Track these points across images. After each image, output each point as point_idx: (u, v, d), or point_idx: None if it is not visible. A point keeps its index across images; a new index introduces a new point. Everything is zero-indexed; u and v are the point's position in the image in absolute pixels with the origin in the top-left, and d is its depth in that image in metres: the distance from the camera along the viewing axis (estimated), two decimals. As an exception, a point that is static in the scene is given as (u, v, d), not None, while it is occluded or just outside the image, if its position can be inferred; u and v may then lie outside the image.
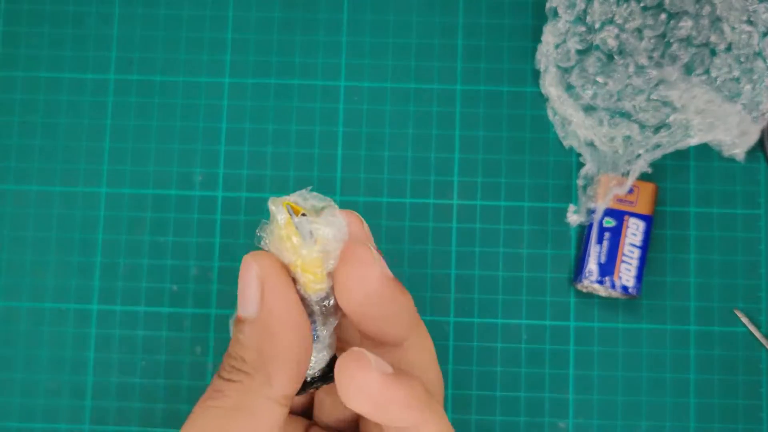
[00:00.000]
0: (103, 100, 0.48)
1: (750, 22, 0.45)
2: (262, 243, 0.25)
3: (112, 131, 0.48)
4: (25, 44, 0.49)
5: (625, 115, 0.46)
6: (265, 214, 0.25)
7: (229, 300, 0.47)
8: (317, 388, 0.27)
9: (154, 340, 0.47)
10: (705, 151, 0.48)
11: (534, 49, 0.48)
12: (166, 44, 0.49)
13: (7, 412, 0.46)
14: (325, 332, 0.26)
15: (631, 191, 0.46)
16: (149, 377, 0.46)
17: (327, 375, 0.26)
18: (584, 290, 0.46)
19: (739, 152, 0.46)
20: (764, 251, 0.47)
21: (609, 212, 0.46)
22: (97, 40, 0.49)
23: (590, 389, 0.46)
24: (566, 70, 0.47)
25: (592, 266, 0.45)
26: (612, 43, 0.46)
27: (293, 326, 0.24)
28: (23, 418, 0.46)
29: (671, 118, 0.45)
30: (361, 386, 0.23)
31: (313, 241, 0.24)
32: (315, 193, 0.25)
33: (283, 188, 0.48)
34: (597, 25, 0.46)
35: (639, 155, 0.46)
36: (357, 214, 0.26)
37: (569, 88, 0.47)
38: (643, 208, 0.46)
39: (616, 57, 0.46)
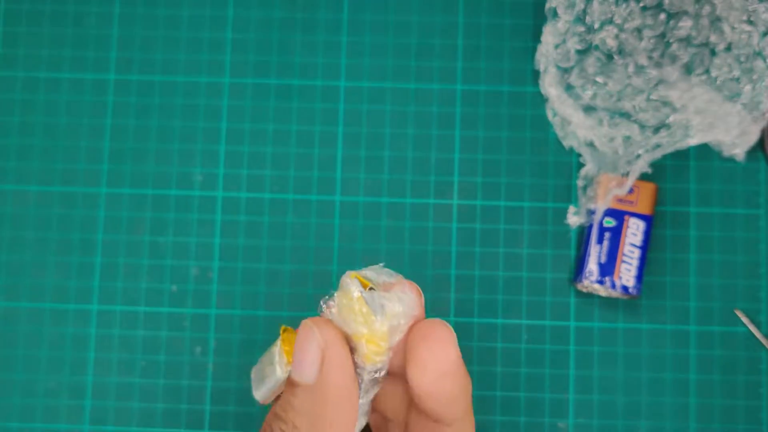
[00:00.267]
0: (103, 100, 0.48)
1: (750, 22, 0.45)
2: (324, 312, 0.26)
3: (112, 131, 0.48)
4: (25, 44, 0.49)
5: (625, 115, 0.46)
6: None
7: (229, 300, 0.47)
8: None
9: (154, 340, 0.47)
10: (705, 151, 0.48)
11: (534, 49, 0.48)
12: (166, 44, 0.49)
13: (7, 412, 0.46)
14: (365, 400, 0.26)
15: (631, 191, 0.46)
16: (149, 377, 0.46)
17: None
18: (584, 290, 0.46)
19: (739, 152, 0.46)
20: (764, 251, 0.47)
21: (609, 212, 0.46)
22: (97, 40, 0.49)
23: (590, 389, 0.46)
24: (566, 70, 0.47)
25: (592, 266, 0.45)
26: (611, 43, 0.46)
27: (348, 397, 0.25)
28: (23, 418, 0.46)
29: (671, 118, 0.45)
30: (447, 352, 0.24)
31: (383, 316, 0.25)
32: (386, 269, 0.27)
33: (283, 188, 0.48)
34: (596, 25, 0.46)
35: (639, 155, 0.46)
36: (418, 287, 0.27)
37: (569, 88, 0.47)
38: (643, 208, 0.46)
39: (615, 57, 0.46)
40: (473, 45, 0.49)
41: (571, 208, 0.46)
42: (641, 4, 0.46)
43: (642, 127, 0.46)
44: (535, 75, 0.48)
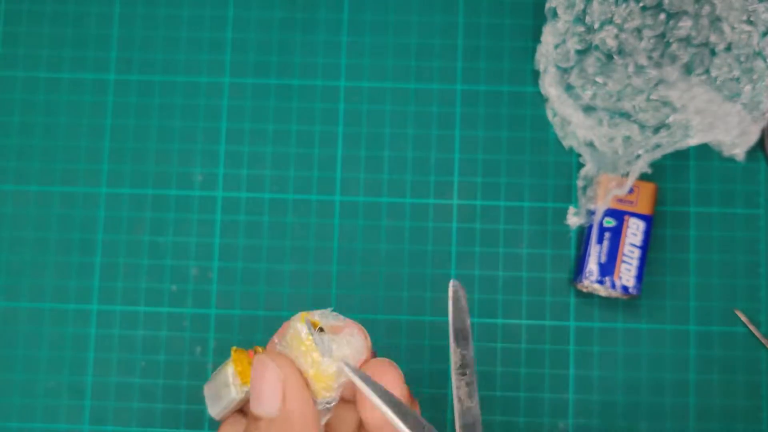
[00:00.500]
0: (103, 100, 0.48)
1: (750, 22, 0.45)
2: (279, 348, 0.27)
3: (112, 131, 0.48)
4: (25, 44, 0.49)
5: (625, 115, 0.46)
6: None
7: (229, 300, 0.47)
8: None
9: (154, 340, 0.47)
10: (705, 151, 0.48)
11: (534, 49, 0.48)
12: (166, 44, 0.49)
13: (7, 412, 0.46)
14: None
15: (631, 191, 0.46)
16: (149, 377, 0.46)
17: None
18: (584, 290, 0.46)
19: (739, 152, 0.46)
20: (764, 251, 0.47)
21: (609, 212, 0.46)
22: (97, 40, 0.49)
23: (590, 389, 0.46)
24: (566, 71, 0.47)
25: (592, 266, 0.45)
26: (611, 43, 0.46)
27: (313, 424, 0.26)
28: (23, 418, 0.46)
29: (671, 118, 0.46)
30: (395, 390, 0.26)
31: (331, 358, 0.26)
32: (335, 313, 0.28)
33: (283, 188, 0.48)
34: (596, 25, 0.46)
35: (639, 155, 0.46)
36: (365, 331, 0.28)
37: (569, 88, 0.47)
38: (643, 208, 0.46)
39: (615, 57, 0.46)
40: (473, 45, 0.49)
41: (571, 209, 0.46)
42: (641, 4, 0.46)
43: (642, 127, 0.46)
44: (535, 75, 0.48)
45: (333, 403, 0.27)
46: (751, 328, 0.46)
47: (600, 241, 0.45)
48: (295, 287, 0.47)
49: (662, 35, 0.46)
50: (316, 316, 0.27)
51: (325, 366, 0.26)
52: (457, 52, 0.49)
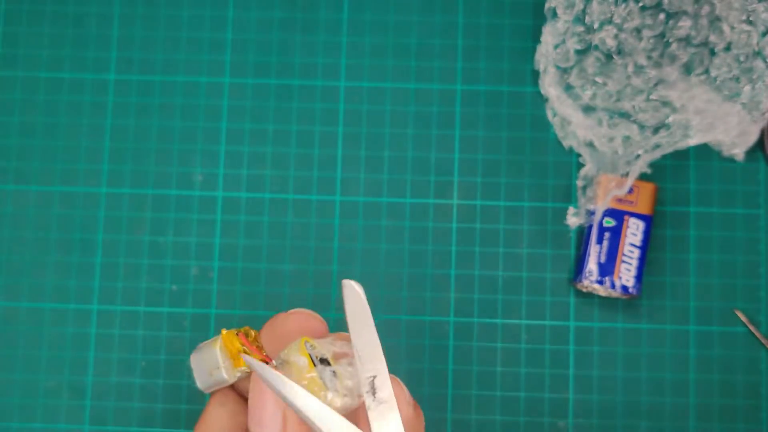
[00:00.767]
0: (103, 100, 0.49)
1: (749, 22, 0.45)
2: (278, 367, 0.26)
3: (112, 131, 0.48)
4: (25, 44, 0.49)
5: (625, 115, 0.46)
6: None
7: (229, 300, 0.47)
8: None
9: (154, 340, 0.47)
10: (705, 151, 0.48)
11: (534, 50, 0.48)
12: (166, 44, 0.49)
13: (7, 412, 0.46)
14: None
15: (631, 191, 0.46)
16: (149, 377, 0.46)
17: None
18: (584, 290, 0.46)
19: (738, 152, 0.46)
20: (764, 251, 0.47)
21: (609, 212, 0.46)
22: (97, 40, 0.49)
23: (590, 389, 0.46)
24: (565, 71, 0.47)
25: (592, 266, 0.45)
26: (611, 42, 0.46)
27: None
28: (23, 418, 0.46)
29: (670, 118, 0.46)
30: (402, 409, 0.26)
31: (336, 392, 0.26)
32: (340, 342, 0.27)
33: (283, 188, 0.48)
34: (596, 25, 0.46)
35: (638, 156, 0.46)
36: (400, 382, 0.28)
37: (568, 88, 0.47)
38: (643, 208, 0.46)
39: (615, 57, 0.46)
40: (473, 45, 0.49)
41: (571, 209, 0.46)
42: (640, 4, 0.46)
43: (641, 127, 0.46)
44: (535, 75, 0.48)
45: None
46: (751, 328, 0.46)
47: (600, 241, 0.46)
48: (295, 287, 0.47)
49: (662, 35, 0.46)
50: (317, 343, 0.27)
51: (329, 399, 0.25)
52: (457, 52, 0.49)
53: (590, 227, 0.46)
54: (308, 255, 0.47)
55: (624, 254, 0.45)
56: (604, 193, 0.45)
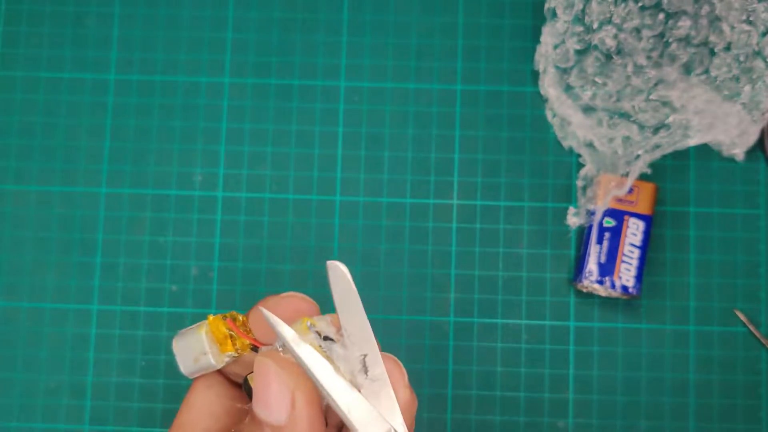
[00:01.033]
0: (103, 100, 0.49)
1: (749, 22, 0.45)
2: (282, 352, 0.26)
3: (112, 131, 0.48)
4: (25, 44, 0.49)
5: (625, 115, 0.46)
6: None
7: (230, 300, 0.47)
8: None
9: (154, 340, 0.47)
10: (705, 151, 0.48)
11: (533, 50, 0.48)
12: (166, 44, 0.49)
13: (7, 412, 0.46)
14: None
15: (631, 191, 0.46)
16: (149, 377, 0.46)
17: None
18: (584, 290, 0.46)
19: (738, 152, 0.46)
20: (764, 251, 0.47)
21: (609, 212, 0.46)
22: (97, 40, 0.49)
23: (590, 389, 0.46)
24: (565, 71, 0.47)
25: (592, 266, 0.45)
26: (610, 42, 0.46)
27: (319, 430, 0.25)
28: (24, 418, 0.46)
29: (670, 118, 0.46)
30: (402, 391, 0.26)
31: (346, 366, 0.26)
32: (332, 319, 0.27)
33: (283, 188, 0.48)
34: (595, 25, 0.46)
35: (638, 156, 0.46)
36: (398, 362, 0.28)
37: (568, 88, 0.47)
38: (643, 208, 0.46)
39: (614, 57, 0.46)
40: (473, 45, 0.49)
41: (571, 209, 0.46)
42: (640, 4, 0.46)
43: (641, 127, 0.46)
44: (535, 75, 0.48)
45: None
46: (751, 328, 0.46)
47: (600, 241, 0.46)
48: (295, 287, 0.47)
49: (661, 35, 0.46)
50: (318, 321, 0.27)
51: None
52: (457, 52, 0.49)
53: (590, 227, 0.46)
54: (308, 255, 0.47)
55: (624, 254, 0.45)
56: (604, 193, 0.45)
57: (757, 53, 0.45)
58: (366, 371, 0.26)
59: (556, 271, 0.47)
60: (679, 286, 0.47)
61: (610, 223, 0.46)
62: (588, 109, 0.46)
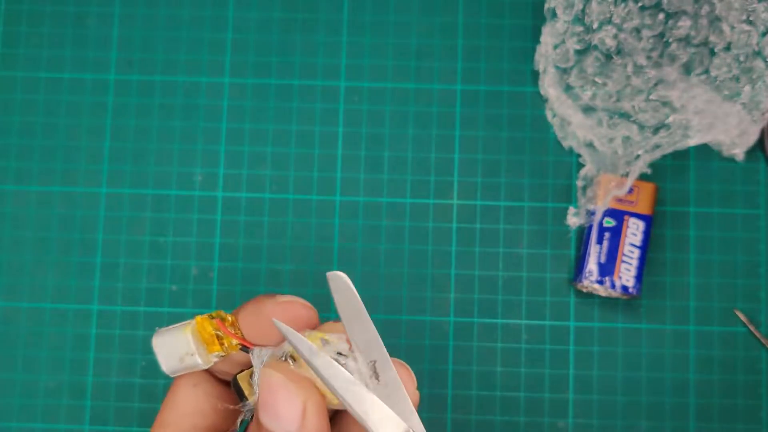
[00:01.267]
0: (103, 100, 0.49)
1: (749, 22, 0.45)
2: (290, 364, 0.26)
3: (112, 131, 0.48)
4: (25, 44, 0.49)
5: (625, 115, 0.46)
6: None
7: (230, 300, 0.47)
8: None
9: (154, 340, 0.47)
10: (705, 151, 0.48)
11: (533, 50, 0.48)
12: (166, 44, 0.49)
13: (7, 412, 0.46)
14: None
15: (631, 191, 0.46)
16: (149, 377, 0.46)
17: None
18: (584, 290, 0.46)
19: (738, 152, 0.46)
20: (764, 251, 0.47)
21: (609, 212, 0.46)
22: (97, 40, 0.49)
23: (590, 389, 0.46)
24: (565, 71, 0.47)
25: (592, 266, 0.45)
26: (610, 42, 0.46)
27: None
28: (24, 418, 0.46)
29: (670, 118, 0.46)
30: (413, 393, 0.26)
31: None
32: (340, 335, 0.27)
33: (283, 188, 0.48)
34: (595, 25, 0.46)
35: (638, 156, 0.46)
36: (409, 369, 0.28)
37: (568, 88, 0.47)
38: (643, 208, 0.46)
39: (614, 57, 0.46)
40: (473, 45, 0.49)
41: (571, 209, 0.46)
42: (640, 4, 0.46)
43: (641, 127, 0.46)
44: (535, 75, 0.48)
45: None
46: (751, 328, 0.46)
47: (600, 241, 0.46)
48: (295, 287, 0.47)
49: (661, 35, 0.46)
50: (331, 337, 0.27)
51: None
52: (457, 52, 0.49)
53: (590, 227, 0.46)
54: (308, 255, 0.47)
55: (624, 254, 0.45)
56: (604, 193, 0.45)
57: (757, 53, 0.45)
58: (377, 377, 0.26)
59: (556, 271, 0.47)
60: (679, 286, 0.47)
61: (610, 223, 0.46)
62: (588, 109, 0.46)
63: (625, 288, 0.45)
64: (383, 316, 0.46)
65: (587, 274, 0.45)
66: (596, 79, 0.46)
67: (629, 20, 0.46)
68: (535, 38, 0.48)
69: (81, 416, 0.46)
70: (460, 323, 0.47)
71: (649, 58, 0.46)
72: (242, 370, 0.28)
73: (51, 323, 0.47)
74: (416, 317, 0.47)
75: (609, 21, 0.46)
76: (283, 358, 0.26)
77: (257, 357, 0.27)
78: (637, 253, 0.45)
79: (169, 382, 0.46)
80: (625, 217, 0.46)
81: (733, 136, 0.45)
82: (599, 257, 0.45)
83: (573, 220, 0.46)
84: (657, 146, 0.46)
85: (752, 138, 0.46)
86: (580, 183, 0.47)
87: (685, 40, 0.46)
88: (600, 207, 0.45)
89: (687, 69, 0.46)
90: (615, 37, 0.46)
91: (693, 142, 0.45)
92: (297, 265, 0.47)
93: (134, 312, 0.47)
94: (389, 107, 0.48)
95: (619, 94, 0.46)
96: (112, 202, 0.48)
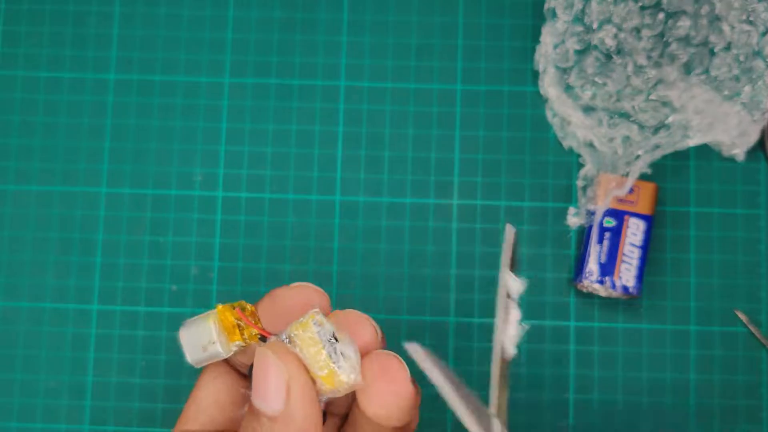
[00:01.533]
0: (103, 100, 0.49)
1: (749, 21, 0.45)
2: (287, 342, 0.27)
3: (112, 131, 0.48)
4: (25, 44, 0.49)
5: (625, 115, 0.46)
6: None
7: (230, 300, 0.47)
8: None
9: (154, 340, 0.47)
10: (705, 151, 0.48)
11: (533, 50, 0.48)
12: (166, 44, 0.49)
13: (7, 412, 0.46)
14: None
15: (631, 191, 0.46)
16: (149, 377, 0.46)
17: None
18: (584, 290, 0.46)
19: (738, 152, 0.46)
20: (764, 251, 0.47)
21: (609, 212, 0.46)
22: (97, 39, 0.49)
23: (590, 389, 0.46)
24: (565, 71, 0.47)
25: (592, 266, 0.45)
26: (610, 42, 0.46)
27: (315, 424, 0.26)
28: (23, 418, 0.46)
29: (670, 118, 0.46)
30: (405, 388, 0.27)
31: (345, 371, 0.26)
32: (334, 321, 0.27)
33: (283, 188, 0.48)
34: (595, 25, 0.46)
35: (638, 156, 0.46)
36: (370, 320, 0.29)
37: (568, 88, 0.47)
38: (644, 207, 0.46)
39: (614, 57, 0.46)
40: (473, 45, 0.49)
41: (571, 210, 0.46)
42: (640, 4, 0.46)
43: (641, 127, 0.46)
44: (535, 75, 0.48)
45: (335, 396, 0.27)
46: (751, 328, 0.46)
47: (600, 241, 0.46)
48: (295, 287, 0.47)
49: (661, 35, 0.46)
50: (326, 320, 0.27)
51: (342, 377, 0.26)
52: (457, 52, 0.49)
53: (590, 227, 0.46)
54: (308, 255, 0.47)
55: (624, 254, 0.45)
56: (605, 193, 0.45)
57: (757, 53, 0.45)
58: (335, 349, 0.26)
59: (556, 271, 0.47)
60: (679, 286, 0.47)
61: (610, 223, 0.46)
62: (588, 109, 0.46)
63: (625, 288, 0.45)
64: (383, 316, 0.46)
65: (587, 274, 0.45)
66: (596, 79, 0.46)
67: (629, 20, 0.46)
68: (535, 38, 0.48)
69: (81, 416, 0.46)
70: (460, 323, 0.47)
71: (649, 58, 0.46)
72: None
73: (51, 323, 0.47)
74: (416, 317, 0.47)
75: (609, 21, 0.46)
76: (286, 339, 0.26)
77: None
78: (637, 253, 0.45)
79: (169, 382, 0.46)
80: (626, 217, 0.46)
81: (733, 136, 0.45)
82: (599, 257, 0.45)
83: (573, 220, 0.46)
84: (657, 146, 0.46)
85: (752, 138, 0.46)
86: (580, 183, 0.47)
87: (685, 40, 0.46)
88: (600, 207, 0.45)
89: (687, 69, 0.46)
90: (615, 36, 0.46)
91: (693, 142, 0.45)
92: (297, 265, 0.47)
93: (134, 312, 0.47)
94: (389, 107, 0.48)
95: (619, 94, 0.46)
96: (112, 202, 0.48)
